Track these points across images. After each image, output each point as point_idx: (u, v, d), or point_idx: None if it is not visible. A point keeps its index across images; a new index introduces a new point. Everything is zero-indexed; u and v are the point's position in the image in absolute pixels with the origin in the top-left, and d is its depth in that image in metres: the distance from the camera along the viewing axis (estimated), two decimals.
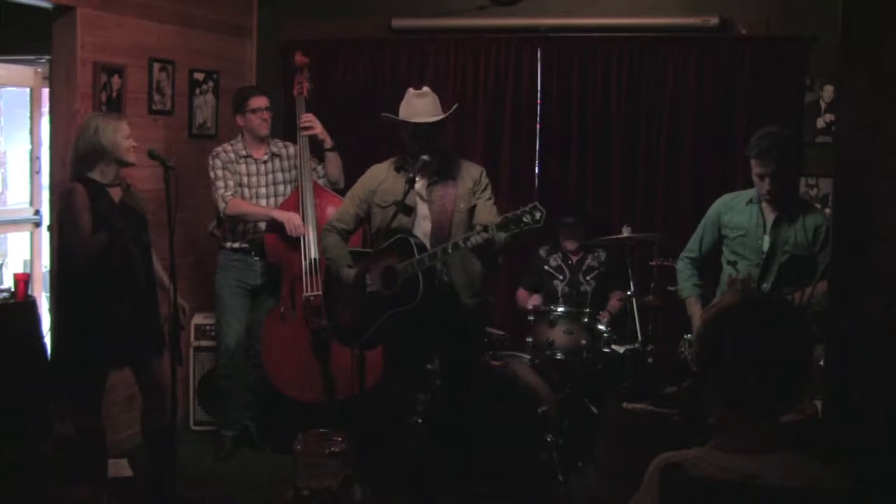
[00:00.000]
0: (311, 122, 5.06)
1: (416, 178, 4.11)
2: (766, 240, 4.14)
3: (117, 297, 4.14)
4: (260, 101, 5.06)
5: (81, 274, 4.13)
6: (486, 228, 3.90)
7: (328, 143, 5.08)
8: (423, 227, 4.20)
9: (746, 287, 3.93)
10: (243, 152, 5.06)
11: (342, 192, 4.89)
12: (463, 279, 4.22)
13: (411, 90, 4.26)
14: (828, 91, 5.23)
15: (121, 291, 4.14)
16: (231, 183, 4.97)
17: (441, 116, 4.20)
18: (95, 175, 4.14)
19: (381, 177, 4.31)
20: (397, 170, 4.28)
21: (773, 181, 4.05)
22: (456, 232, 4.17)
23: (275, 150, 5.16)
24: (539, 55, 5.69)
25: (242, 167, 5.05)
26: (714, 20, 5.35)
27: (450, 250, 4.00)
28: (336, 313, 4.40)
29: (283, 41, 6.01)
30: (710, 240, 4.35)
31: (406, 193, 4.07)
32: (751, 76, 5.34)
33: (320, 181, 5.09)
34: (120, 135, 4.15)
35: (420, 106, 4.18)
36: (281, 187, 5.13)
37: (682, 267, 4.42)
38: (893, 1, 2.04)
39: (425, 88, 4.26)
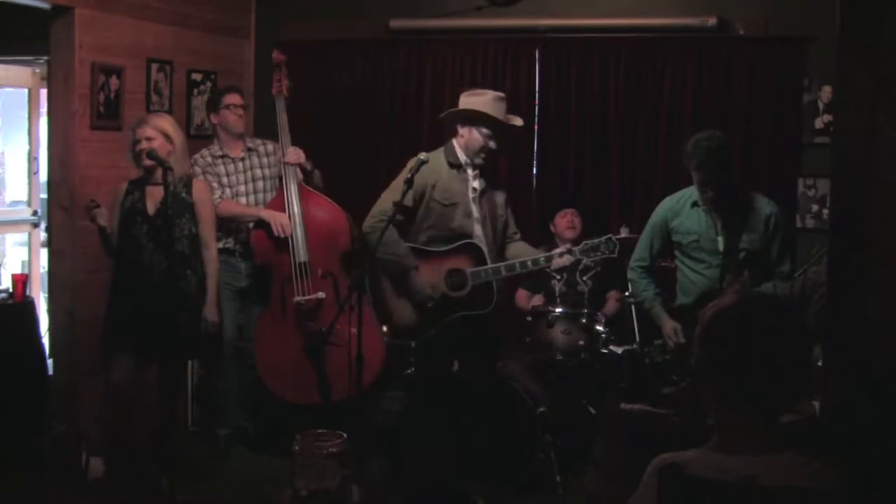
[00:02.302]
0: (296, 154, 4.92)
1: (473, 179, 4.28)
2: (721, 241, 4.15)
3: (123, 290, 4.32)
4: (234, 98, 5.04)
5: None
6: (570, 251, 4.03)
7: (309, 167, 4.97)
8: (476, 229, 4.36)
9: (745, 288, 3.95)
10: (219, 152, 5.03)
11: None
12: None
13: (487, 91, 4.47)
14: (826, 91, 5.22)
15: (127, 286, 4.31)
16: (215, 184, 4.93)
17: (521, 120, 4.50)
18: (134, 173, 4.40)
19: (437, 173, 4.36)
20: (452, 167, 4.37)
21: (718, 189, 4.07)
22: (498, 239, 4.30)
23: (251, 145, 5.12)
24: (537, 56, 5.68)
25: (220, 168, 5.01)
26: (712, 21, 5.34)
27: (530, 265, 4.15)
28: (388, 310, 4.48)
29: (280, 42, 5.99)
30: (660, 245, 4.40)
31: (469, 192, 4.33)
32: (749, 77, 5.34)
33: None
34: (133, 137, 4.31)
35: (503, 109, 4.39)
36: (260, 183, 5.09)
37: (636, 277, 4.47)
38: (892, 1, 2.05)
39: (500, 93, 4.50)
